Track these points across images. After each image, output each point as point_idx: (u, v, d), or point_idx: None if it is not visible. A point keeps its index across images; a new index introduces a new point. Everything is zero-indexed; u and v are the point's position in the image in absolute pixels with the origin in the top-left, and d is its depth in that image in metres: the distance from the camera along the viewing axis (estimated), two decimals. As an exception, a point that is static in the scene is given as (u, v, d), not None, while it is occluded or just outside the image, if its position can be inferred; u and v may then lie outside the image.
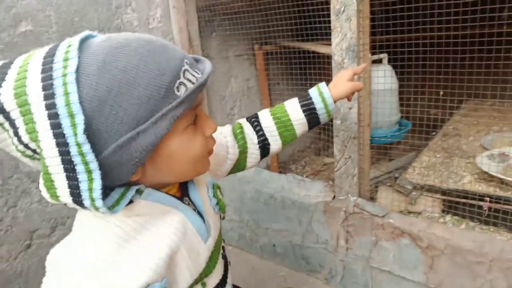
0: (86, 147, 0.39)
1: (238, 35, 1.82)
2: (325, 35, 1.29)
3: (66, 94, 0.38)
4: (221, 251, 0.63)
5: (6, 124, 0.40)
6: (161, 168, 0.47)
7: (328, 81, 0.81)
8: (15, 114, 0.39)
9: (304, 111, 0.74)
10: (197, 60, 0.51)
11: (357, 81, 0.82)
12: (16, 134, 0.41)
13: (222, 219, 0.64)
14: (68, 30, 1.26)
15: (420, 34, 1.15)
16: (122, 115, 0.40)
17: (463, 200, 1.19)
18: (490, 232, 1.10)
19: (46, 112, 0.38)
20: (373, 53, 1.16)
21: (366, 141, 1.22)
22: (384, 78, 1.39)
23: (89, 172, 0.40)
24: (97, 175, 0.40)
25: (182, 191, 0.56)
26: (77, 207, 0.43)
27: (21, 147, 0.42)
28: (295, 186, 1.47)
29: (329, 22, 1.12)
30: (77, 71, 0.39)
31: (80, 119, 0.38)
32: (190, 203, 0.55)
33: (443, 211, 1.24)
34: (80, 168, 0.40)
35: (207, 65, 0.49)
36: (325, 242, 1.37)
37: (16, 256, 1.23)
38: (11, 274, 1.22)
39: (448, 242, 1.06)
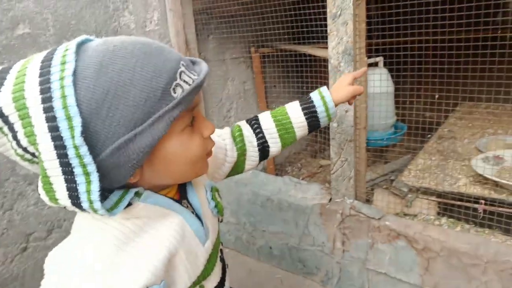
0: (84, 150, 0.39)
1: (234, 38, 1.82)
2: (321, 38, 1.30)
3: (64, 97, 0.39)
4: (219, 254, 0.63)
5: (5, 128, 0.40)
6: (159, 170, 0.48)
7: (324, 84, 0.82)
8: (13, 118, 0.40)
9: (305, 114, 0.75)
10: (193, 62, 0.51)
11: (357, 85, 0.83)
12: (15, 137, 0.41)
13: (220, 221, 0.65)
14: (65, 33, 1.26)
15: (415, 38, 1.16)
16: (119, 117, 0.41)
17: (458, 203, 1.20)
18: (485, 235, 1.11)
19: (44, 115, 0.39)
20: (369, 57, 1.17)
21: (362, 144, 1.22)
22: (380, 81, 1.40)
23: (87, 174, 0.40)
24: (95, 177, 0.41)
25: (181, 194, 0.56)
26: (76, 209, 0.44)
27: (20, 150, 0.42)
28: (291, 188, 1.47)
29: (326, 25, 1.13)
30: (74, 74, 0.40)
31: (77, 122, 0.39)
32: (189, 205, 0.56)
33: (438, 213, 1.25)
34: (78, 170, 0.40)
35: (203, 66, 0.49)
36: (321, 245, 1.38)
37: (12, 259, 1.22)
38: (7, 277, 1.22)
39: (444, 244, 1.07)
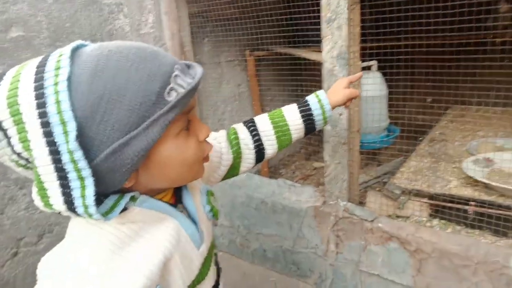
0: (78, 154, 0.39)
1: (230, 41, 1.83)
2: (316, 42, 1.31)
3: (58, 102, 0.39)
4: (214, 258, 0.63)
5: (0, 134, 0.40)
6: (154, 174, 0.48)
7: (318, 87, 0.83)
8: (7, 123, 0.40)
9: (302, 116, 0.76)
10: (188, 66, 0.51)
11: (353, 89, 0.84)
12: (9, 143, 0.41)
13: (215, 225, 0.65)
14: (60, 35, 1.26)
15: (409, 42, 1.18)
16: (113, 121, 0.41)
17: (450, 205, 1.21)
18: (475, 236, 1.13)
19: (39, 120, 0.39)
20: (362, 61, 1.18)
21: (355, 146, 1.24)
22: (374, 85, 1.41)
23: (81, 179, 0.41)
24: (89, 182, 0.41)
25: (176, 198, 0.57)
26: (71, 214, 0.44)
27: (14, 156, 0.42)
28: (286, 191, 1.48)
29: (320, 29, 1.14)
30: (69, 79, 0.40)
31: (71, 127, 0.39)
32: (184, 210, 0.56)
33: (430, 215, 1.26)
34: (72, 175, 0.40)
35: (198, 70, 0.49)
36: (315, 247, 1.38)
37: (3, 264, 1.21)
38: (-2, 281, 1.21)
39: (435, 245, 1.09)
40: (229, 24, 1.68)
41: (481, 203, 1.16)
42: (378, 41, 1.62)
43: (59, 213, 0.44)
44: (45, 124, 0.39)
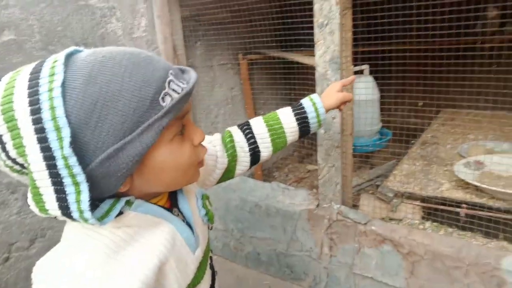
0: (73, 160, 0.39)
1: (222, 44, 1.83)
2: (308, 46, 1.32)
3: (52, 108, 0.39)
4: (209, 261, 0.63)
5: None
6: (149, 178, 0.48)
7: (311, 91, 0.84)
8: (2, 129, 0.40)
9: (297, 119, 0.77)
10: (182, 71, 0.52)
11: (346, 92, 0.85)
12: (3, 149, 0.41)
13: (210, 229, 0.65)
14: (51, 39, 1.25)
15: (400, 47, 1.20)
16: (108, 127, 0.41)
17: (442, 207, 1.23)
18: (467, 238, 1.15)
19: (33, 126, 0.39)
20: (355, 65, 1.19)
21: (349, 150, 1.25)
22: (366, 89, 1.43)
23: (76, 184, 0.41)
24: (84, 187, 0.41)
25: (172, 202, 0.57)
26: (67, 219, 0.44)
27: (9, 162, 0.42)
28: (279, 194, 1.49)
29: (313, 34, 1.15)
30: (63, 85, 0.40)
31: (66, 133, 0.39)
32: (179, 213, 0.56)
33: (423, 217, 1.28)
34: (67, 180, 0.40)
35: (192, 75, 0.50)
36: (309, 250, 1.39)
37: (-6, 269, 1.20)
38: (-12, 288, 1.19)
39: (428, 248, 1.10)
40: (221, 28, 1.69)
41: (472, 206, 1.18)
42: (369, 46, 1.64)
43: (55, 217, 0.44)
44: (40, 130, 0.39)
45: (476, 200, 1.21)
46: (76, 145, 0.40)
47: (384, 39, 1.17)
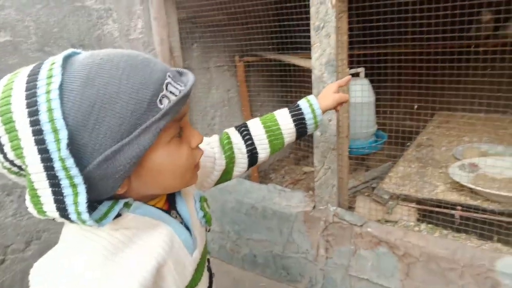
0: (70, 162, 0.40)
1: (219, 46, 1.84)
2: (305, 49, 1.33)
3: (50, 110, 0.39)
4: (206, 263, 0.64)
5: None
6: (147, 180, 0.48)
7: (307, 93, 0.85)
8: (0, 131, 0.40)
9: (294, 121, 0.78)
10: (180, 73, 0.52)
11: (342, 93, 0.86)
12: (1, 151, 0.41)
13: (208, 231, 0.65)
14: (48, 40, 1.25)
15: (395, 50, 1.21)
16: (105, 129, 0.41)
17: (437, 209, 1.24)
18: (461, 240, 1.15)
19: (31, 128, 0.39)
20: (350, 68, 1.20)
21: (344, 152, 1.25)
22: (362, 91, 1.44)
23: (73, 186, 0.41)
24: (82, 189, 0.41)
25: (170, 204, 0.57)
26: (65, 221, 0.44)
27: (7, 164, 0.42)
28: (276, 196, 1.49)
29: (309, 36, 1.16)
30: (61, 87, 0.40)
31: (63, 135, 0.39)
32: (178, 216, 0.56)
33: (418, 219, 1.29)
34: (64, 182, 0.40)
35: (190, 77, 0.50)
36: (305, 252, 1.39)
37: (-11, 272, 1.19)
38: (-17, 290, 1.18)
39: (423, 250, 1.11)
40: (218, 30, 1.69)
41: (467, 208, 1.19)
42: (365, 49, 1.65)
43: (53, 219, 0.44)
44: (38, 132, 0.39)
45: (471, 202, 1.22)
46: (74, 147, 0.40)
47: (379, 42, 1.18)
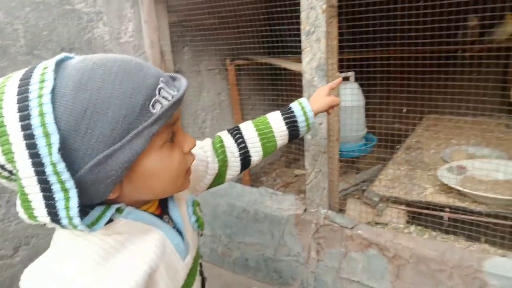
0: (61, 166, 0.39)
1: (210, 50, 1.84)
2: (295, 53, 1.34)
3: (42, 114, 0.39)
4: (199, 268, 0.64)
5: None
6: (138, 186, 0.48)
7: (299, 96, 0.85)
8: None
9: (286, 123, 0.78)
10: (173, 78, 0.52)
11: (334, 97, 0.87)
12: None
13: (200, 235, 0.65)
14: (37, 44, 1.23)
15: (384, 55, 1.23)
16: (98, 133, 0.41)
17: (426, 211, 1.26)
18: (450, 241, 1.17)
19: (22, 133, 0.39)
20: (340, 72, 1.22)
21: (335, 155, 1.26)
22: (352, 95, 1.45)
23: (65, 190, 0.41)
24: (73, 193, 0.41)
25: (162, 209, 0.57)
26: (56, 226, 0.43)
27: None
28: (267, 199, 1.49)
29: (300, 41, 1.17)
30: (53, 92, 0.40)
31: (55, 139, 0.39)
32: (170, 220, 0.56)
33: (407, 221, 1.30)
34: (56, 187, 0.40)
35: (183, 82, 0.50)
36: (296, 255, 1.40)
37: (-25, 279, 1.16)
38: (-31, 297, 1.15)
39: (413, 251, 1.12)
40: (209, 34, 1.70)
41: (455, 209, 1.21)
42: (355, 53, 1.67)
43: (44, 224, 0.43)
44: (29, 137, 0.39)
45: (459, 204, 1.24)
46: (66, 151, 0.40)
47: (368, 47, 1.20)
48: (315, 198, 1.33)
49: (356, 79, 1.75)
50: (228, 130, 0.77)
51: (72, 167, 0.41)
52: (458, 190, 1.27)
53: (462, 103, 1.16)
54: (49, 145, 0.39)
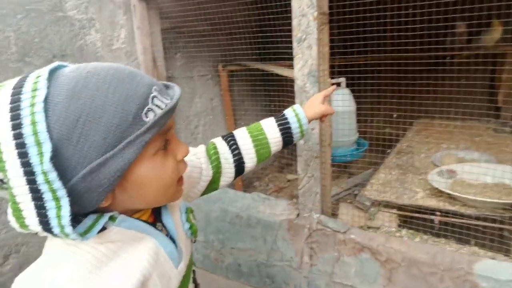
0: (53, 175, 0.39)
1: (202, 56, 1.85)
2: (287, 59, 1.35)
3: (34, 123, 0.39)
4: (192, 275, 0.64)
5: None
6: (131, 194, 0.48)
7: (291, 102, 0.86)
8: None
9: (280, 130, 0.79)
10: (167, 87, 0.52)
11: (328, 106, 0.88)
12: None
13: (194, 242, 0.65)
14: (28, 51, 1.23)
15: (375, 61, 1.24)
16: (90, 142, 0.41)
17: (417, 215, 1.27)
18: (441, 244, 1.19)
19: (13, 141, 0.39)
20: (332, 77, 1.23)
21: (327, 160, 1.27)
22: (343, 101, 1.47)
23: (56, 199, 0.40)
24: (65, 202, 0.41)
25: (155, 216, 0.57)
26: (48, 235, 0.43)
27: None
28: (260, 204, 1.50)
29: (291, 48, 1.19)
30: (46, 100, 0.40)
31: (47, 148, 0.39)
32: (163, 228, 0.56)
33: (399, 225, 1.32)
34: (47, 196, 0.40)
35: (176, 90, 0.50)
36: (289, 260, 1.40)
37: (-36, 288, 1.15)
38: (-42, 308, 1.14)
39: (405, 255, 1.13)
40: (201, 40, 1.70)
41: (446, 213, 1.23)
42: (346, 59, 1.69)
43: (36, 233, 0.43)
44: (21, 145, 0.39)
45: (449, 207, 1.26)
46: (58, 160, 0.40)
47: (359, 54, 1.22)
48: (307, 203, 1.34)
49: (347, 85, 1.77)
50: (222, 137, 0.77)
51: (64, 176, 0.41)
52: (449, 194, 1.28)
53: (452, 108, 1.18)
54: (40, 154, 0.39)
